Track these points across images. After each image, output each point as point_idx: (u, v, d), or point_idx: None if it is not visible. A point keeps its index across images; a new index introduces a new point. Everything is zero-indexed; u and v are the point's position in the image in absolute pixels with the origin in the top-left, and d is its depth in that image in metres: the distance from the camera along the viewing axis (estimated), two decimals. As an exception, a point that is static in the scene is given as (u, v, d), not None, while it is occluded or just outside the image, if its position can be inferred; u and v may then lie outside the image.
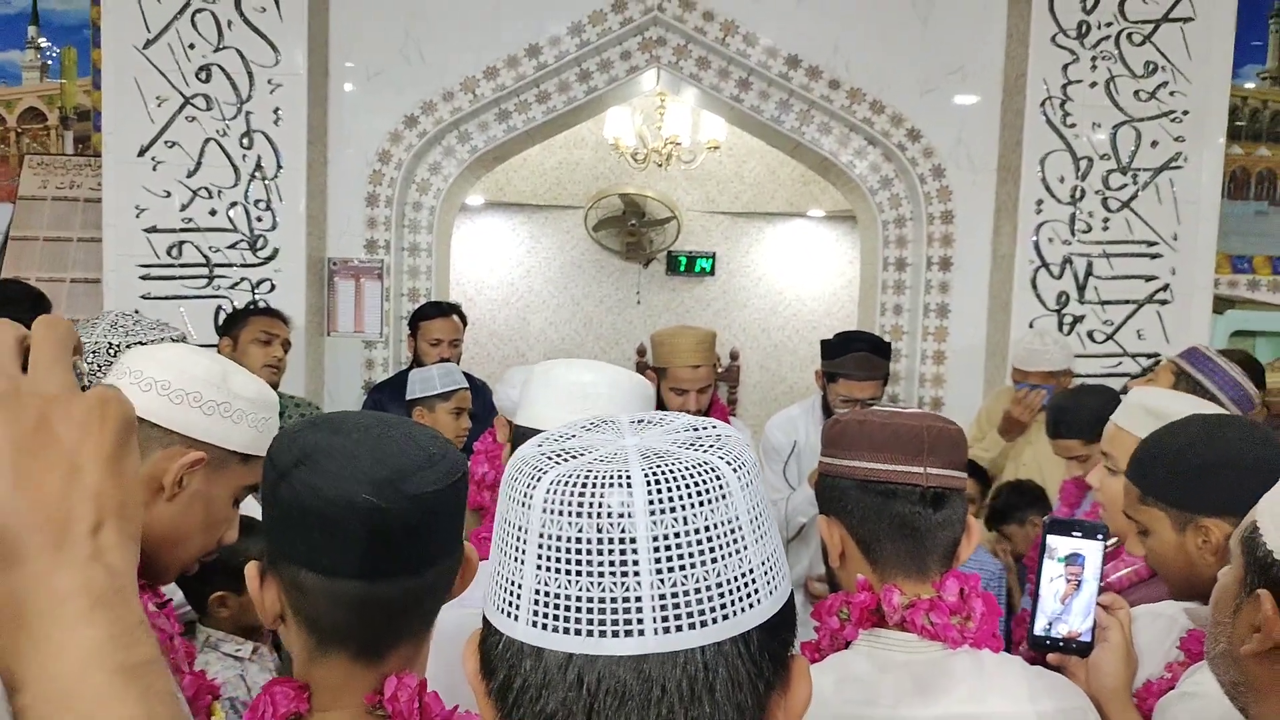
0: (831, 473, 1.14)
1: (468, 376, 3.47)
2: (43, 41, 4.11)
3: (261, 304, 3.47)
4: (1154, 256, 3.64)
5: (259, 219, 3.60)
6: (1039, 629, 1.22)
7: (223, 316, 3.48)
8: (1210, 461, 1.25)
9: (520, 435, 1.29)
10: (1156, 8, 3.54)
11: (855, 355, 2.74)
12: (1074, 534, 1.24)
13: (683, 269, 6.45)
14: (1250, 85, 4.09)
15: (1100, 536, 1.24)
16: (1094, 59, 3.55)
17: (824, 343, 2.88)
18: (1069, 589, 1.23)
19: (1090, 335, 3.67)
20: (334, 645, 0.83)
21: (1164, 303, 3.66)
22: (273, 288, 3.58)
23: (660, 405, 2.85)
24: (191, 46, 3.51)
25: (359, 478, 0.80)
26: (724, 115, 4.24)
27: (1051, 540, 1.24)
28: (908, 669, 1.06)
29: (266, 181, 3.58)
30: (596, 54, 3.80)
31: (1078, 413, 2.32)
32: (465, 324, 3.46)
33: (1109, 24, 3.54)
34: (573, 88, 3.85)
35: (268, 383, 2.90)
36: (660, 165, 5.79)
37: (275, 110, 3.55)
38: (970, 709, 1.04)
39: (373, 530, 0.80)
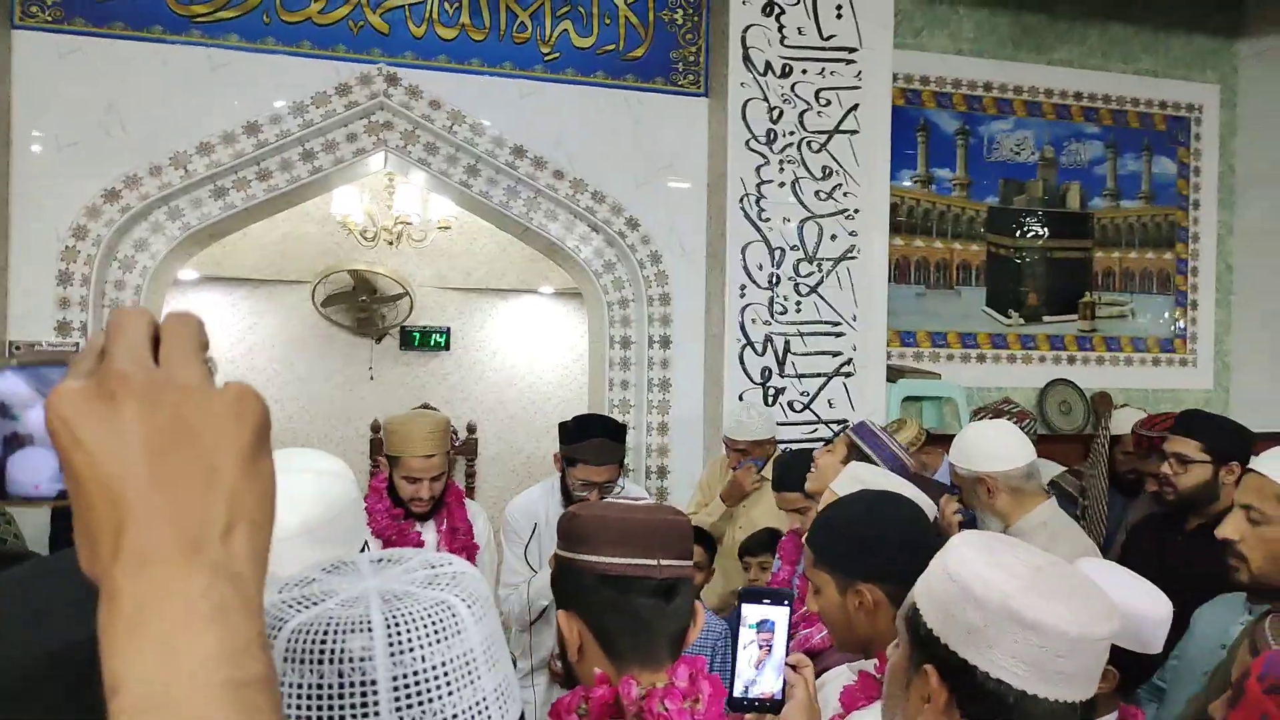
0: (569, 566, 1.17)
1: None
2: None
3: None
4: (839, 335, 4.15)
5: (-80, 300, 3.18)
6: (737, 691, 1.31)
7: None
8: (867, 535, 1.44)
9: None
10: (829, 120, 4.09)
11: (593, 442, 2.83)
12: (764, 601, 1.34)
13: (417, 344, 6.40)
14: (907, 184, 4.80)
15: (786, 602, 1.36)
16: (781, 162, 4.04)
17: (562, 426, 2.95)
18: (762, 654, 1.33)
19: (791, 405, 4.09)
20: None
21: (848, 375, 4.16)
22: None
23: (392, 491, 2.82)
24: None
25: None
26: (454, 199, 4.33)
27: (745, 609, 1.33)
28: None
29: (-70, 258, 3.18)
30: (320, 135, 3.77)
31: (798, 471, 2.67)
32: None
33: (792, 133, 4.04)
34: (296, 166, 3.78)
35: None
36: (390, 243, 5.75)
37: (-57, 180, 3.18)
38: None
39: None
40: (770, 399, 4.02)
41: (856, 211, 4.14)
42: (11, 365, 0.47)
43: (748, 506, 3.46)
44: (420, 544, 2.82)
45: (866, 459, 2.18)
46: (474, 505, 3.05)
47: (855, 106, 4.11)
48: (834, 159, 4.10)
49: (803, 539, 2.01)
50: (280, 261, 6.04)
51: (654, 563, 1.14)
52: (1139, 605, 1.38)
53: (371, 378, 6.37)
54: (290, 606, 0.55)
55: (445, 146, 3.92)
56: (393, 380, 6.41)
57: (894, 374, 4.40)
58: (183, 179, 3.58)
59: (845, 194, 4.12)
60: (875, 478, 1.75)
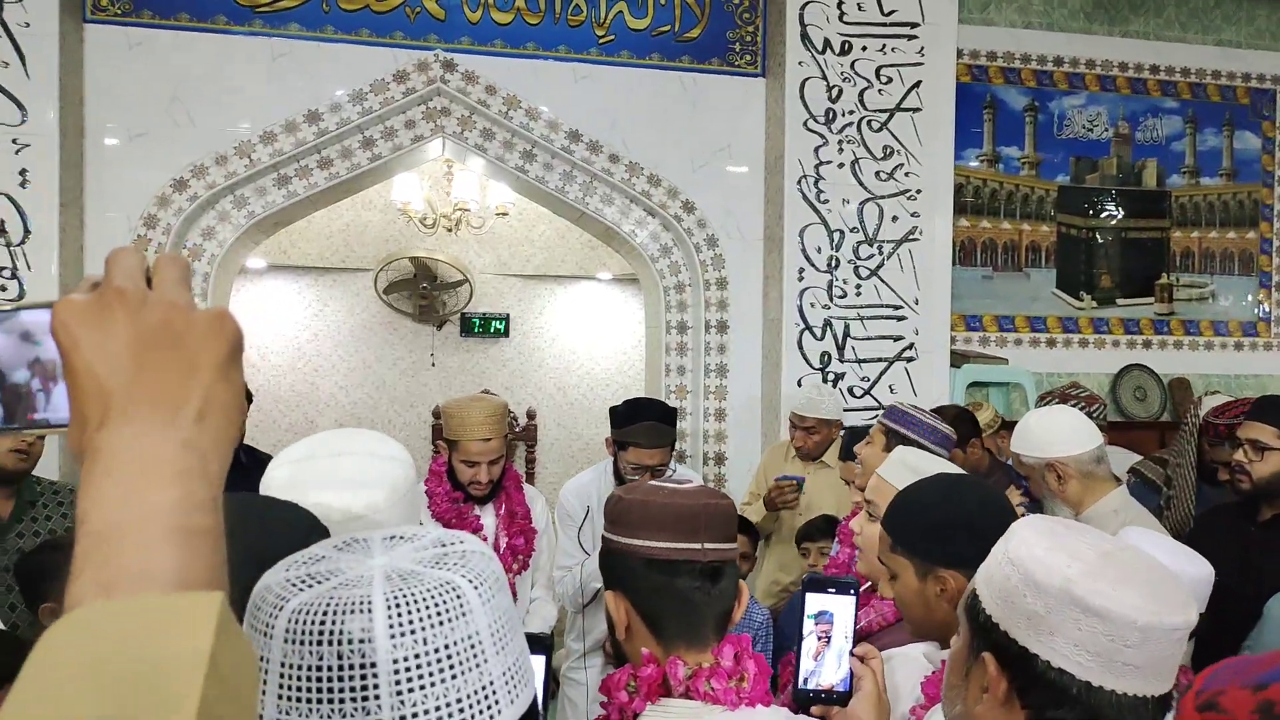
0: (616, 549, 1.19)
1: (250, 451, 3.31)
2: None
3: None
4: (900, 319, 4.05)
5: (2, 288, 3.30)
6: (800, 684, 1.30)
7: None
8: (947, 519, 1.38)
9: None
10: (890, 99, 3.99)
11: (643, 425, 2.85)
12: (829, 590, 1.33)
13: (477, 330, 6.45)
14: (973, 165, 4.66)
15: (852, 591, 1.34)
16: (840, 143, 3.95)
17: (613, 411, 2.97)
18: (820, 646, 1.32)
19: (850, 391, 4.01)
20: None
21: (910, 360, 4.07)
22: (18, 362, 3.28)
23: (451, 475, 2.85)
24: (-81, 101, 3.21)
25: None
26: (510, 184, 4.34)
27: (808, 598, 1.32)
28: None
29: (11, 248, 3.30)
30: (380, 122, 3.81)
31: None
32: (250, 402, 3.30)
33: (851, 112, 3.95)
34: (356, 154, 3.83)
35: (14, 469, 2.66)
36: (450, 230, 5.81)
37: (21, 171, 3.30)
38: None
39: None
40: (830, 384, 3.95)
41: (919, 192, 4.03)
42: (41, 302, 0.55)
43: (807, 493, 3.41)
44: (479, 528, 2.85)
45: (907, 442, 2.11)
46: (532, 490, 3.07)
47: (918, 83, 4.01)
48: (895, 138, 4.00)
49: (850, 527, 1.97)
50: (344, 249, 6.15)
51: (698, 546, 1.15)
52: (1176, 564, 1.33)
53: (433, 364, 6.45)
54: (293, 585, 0.54)
55: (501, 132, 3.93)
56: (454, 366, 6.48)
57: (958, 359, 4.29)
58: (247, 168, 3.65)
59: (907, 174, 4.02)
60: (925, 463, 1.69)
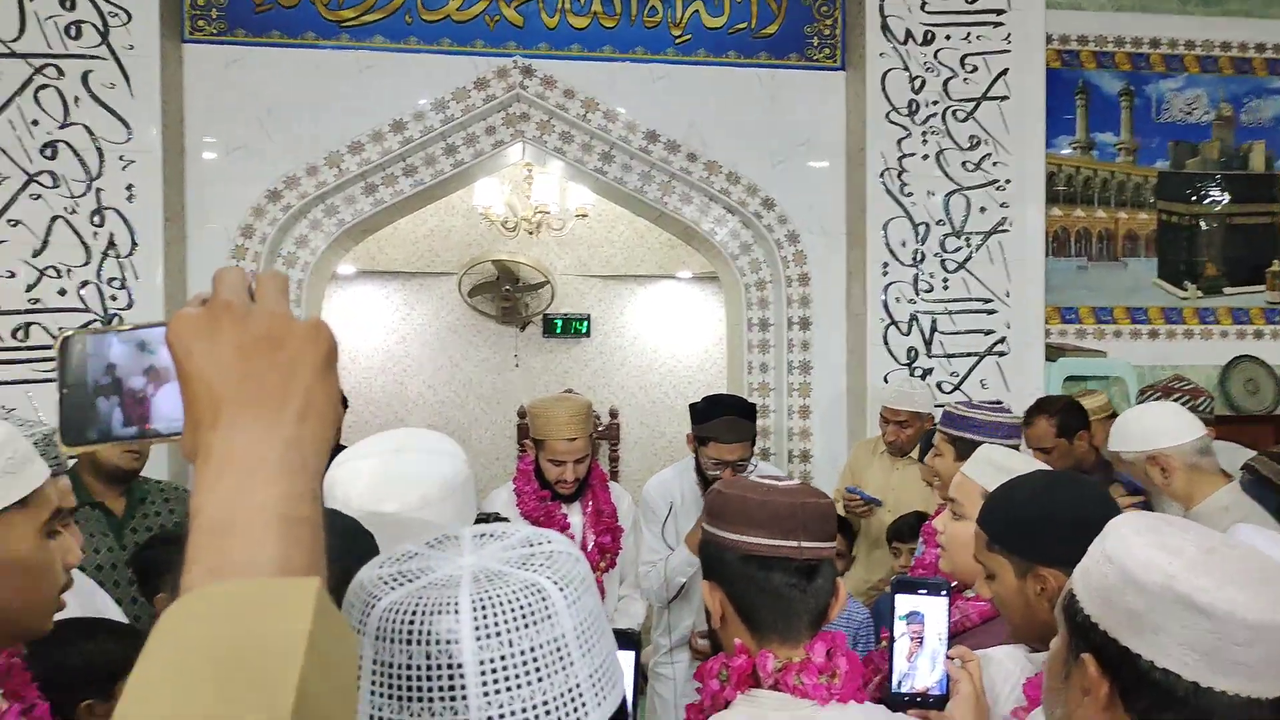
0: (715, 543, 1.21)
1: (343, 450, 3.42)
2: None
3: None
4: (990, 312, 3.94)
5: (113, 298, 3.48)
6: (893, 686, 1.29)
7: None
8: (1046, 516, 1.34)
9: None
10: (976, 88, 3.88)
11: (723, 420, 2.84)
12: (919, 592, 1.32)
13: (559, 331, 6.52)
14: (1065, 152, 4.50)
15: (944, 593, 1.32)
16: (924, 134, 3.86)
17: (692, 407, 2.97)
18: (913, 647, 1.30)
19: (940, 386, 3.92)
20: None
21: (1002, 354, 3.95)
22: (128, 369, 3.45)
23: (539, 474, 2.89)
24: (35, 123, 3.40)
25: None
26: (589, 186, 4.37)
27: (898, 600, 1.31)
28: None
29: (120, 259, 3.47)
30: (461, 129, 3.88)
31: None
32: (346, 407, 3.40)
33: (935, 102, 3.86)
34: (439, 161, 3.91)
35: (128, 469, 2.79)
36: (531, 233, 5.88)
37: (128, 187, 3.46)
38: None
39: None
40: (918, 379, 3.86)
41: (1008, 182, 3.91)
42: (156, 321, 0.61)
43: (896, 489, 3.35)
44: (566, 526, 2.88)
45: (974, 447, 2.05)
46: (618, 488, 3.09)
47: (1005, 71, 3.89)
48: (982, 127, 3.88)
49: (934, 525, 1.92)
50: (429, 254, 6.29)
51: (795, 544, 1.16)
52: None
53: (517, 365, 6.55)
54: (385, 583, 0.55)
55: (580, 135, 3.96)
56: (537, 367, 6.57)
57: (1053, 352, 4.14)
58: (336, 177, 3.77)
59: (995, 164, 3.90)
60: (1011, 460, 1.64)
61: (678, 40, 3.97)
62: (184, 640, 0.43)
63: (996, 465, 1.58)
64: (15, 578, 1.05)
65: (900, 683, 1.29)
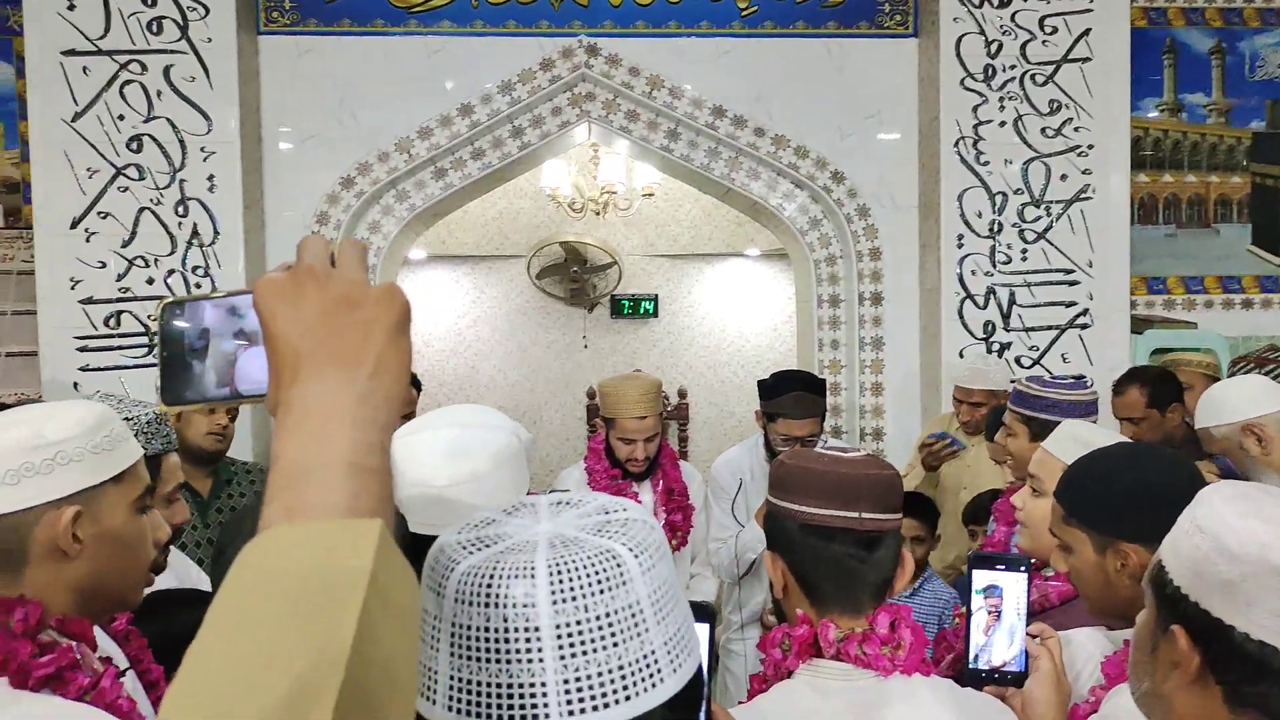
0: (776, 512, 1.21)
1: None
2: (-31, 116, 4.08)
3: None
4: (1072, 284, 3.81)
5: (198, 285, 3.60)
6: (969, 661, 1.27)
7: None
8: (1128, 490, 1.29)
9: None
10: (1056, 50, 3.74)
11: (791, 395, 2.82)
12: (997, 567, 1.29)
13: (627, 312, 6.54)
14: (1152, 115, 4.31)
15: (1023, 568, 1.29)
16: (1001, 100, 3.74)
17: (760, 383, 2.95)
18: (990, 620, 1.28)
19: (1018, 361, 3.81)
20: None
21: (1085, 326, 3.82)
22: (213, 353, 3.57)
23: (609, 453, 2.90)
24: (121, 118, 3.52)
25: None
26: (655, 164, 4.35)
27: (975, 575, 1.29)
28: (845, 695, 1.12)
29: (204, 248, 3.59)
30: (528, 110, 3.90)
31: None
32: (419, 390, 3.45)
33: (1013, 67, 3.73)
34: (506, 143, 3.93)
35: (212, 450, 2.88)
36: (598, 213, 5.89)
37: (209, 177, 3.57)
38: None
39: None
40: (994, 354, 3.76)
41: (1090, 147, 3.76)
42: (244, 288, 0.65)
43: (972, 466, 3.27)
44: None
45: (1049, 428, 1.97)
46: (688, 467, 3.09)
47: (1087, 31, 3.73)
48: (1063, 91, 3.74)
49: (1012, 502, 1.86)
50: (498, 237, 6.36)
51: (856, 515, 1.15)
52: None
53: (585, 346, 6.59)
54: (463, 548, 0.56)
55: (645, 112, 3.94)
56: (605, 348, 6.60)
57: (1140, 324, 3.99)
58: (407, 162, 3.82)
59: (1077, 129, 3.75)
60: (1096, 436, 1.58)
61: (744, 12, 3.91)
62: (257, 574, 0.47)
63: (1083, 441, 1.52)
64: (110, 550, 1.10)
65: (976, 657, 1.27)
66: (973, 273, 3.78)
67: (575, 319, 6.60)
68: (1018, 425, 2.17)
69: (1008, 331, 3.81)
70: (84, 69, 3.50)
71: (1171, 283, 4.28)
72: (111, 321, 3.55)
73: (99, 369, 3.50)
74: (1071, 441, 1.58)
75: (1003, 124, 3.74)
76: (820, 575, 1.17)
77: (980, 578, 1.28)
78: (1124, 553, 1.28)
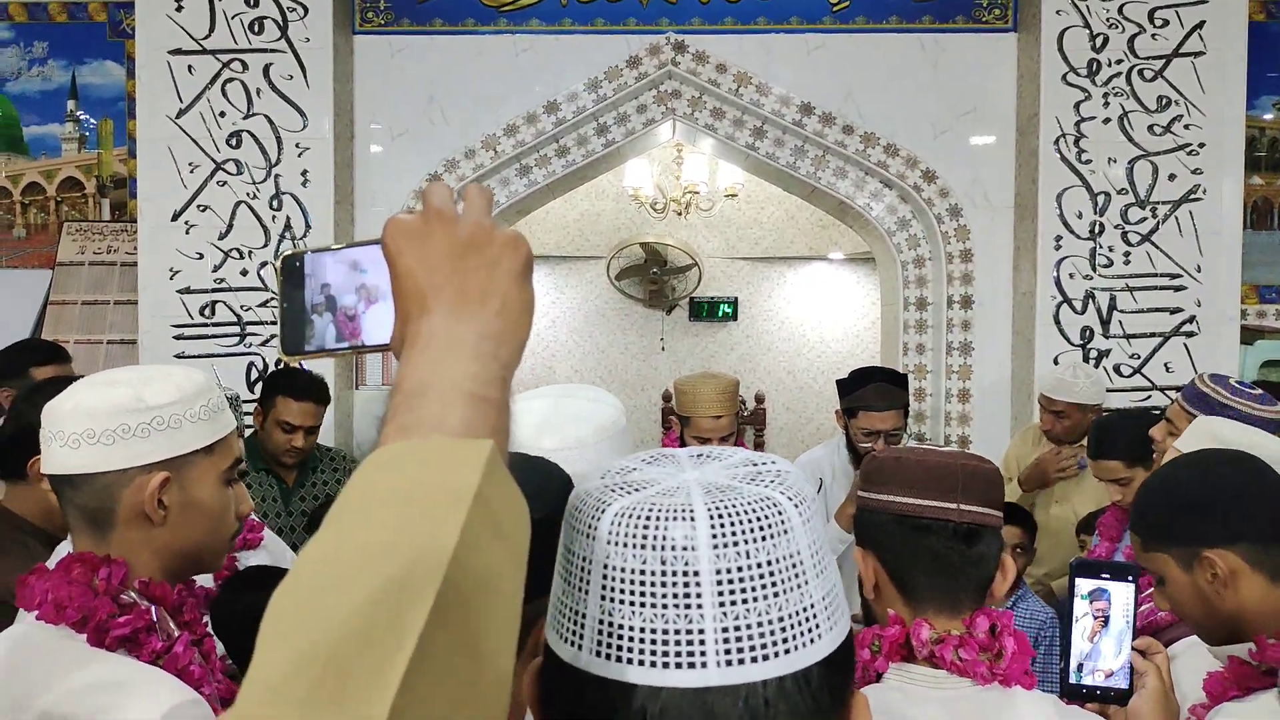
0: (868, 507, 1.16)
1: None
2: (81, 114, 4.27)
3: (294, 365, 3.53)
4: (1178, 289, 3.62)
5: (289, 278, 3.68)
6: (1072, 676, 1.20)
7: (254, 373, 3.59)
8: (1204, 495, 1.22)
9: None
10: (1166, 44, 3.56)
11: (872, 387, 2.73)
12: (1102, 576, 1.23)
13: (705, 315, 6.49)
14: (1269, 116, 4.09)
15: (1130, 578, 1.23)
16: (1106, 96, 3.58)
17: (839, 382, 2.88)
18: (1096, 626, 1.21)
19: (1117, 369, 3.64)
20: None
21: (1190, 334, 3.63)
22: (302, 344, 3.65)
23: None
24: (222, 114, 3.64)
25: None
26: (740, 163, 4.30)
27: (1078, 583, 1.23)
28: (939, 703, 1.06)
29: (296, 241, 3.67)
30: (613, 108, 3.89)
31: (1121, 434, 2.35)
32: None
33: (1119, 61, 3.57)
34: (591, 141, 3.94)
35: (286, 463, 2.94)
36: (680, 214, 5.87)
37: (303, 172, 3.66)
38: None
39: None
40: (1092, 362, 3.61)
41: (1201, 146, 3.58)
42: (368, 239, 0.65)
43: (1067, 487, 3.11)
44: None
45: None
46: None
47: (1200, 24, 3.55)
48: (1173, 87, 3.57)
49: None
50: (579, 238, 6.38)
51: (952, 506, 1.09)
52: None
53: (663, 349, 6.57)
54: (613, 490, 0.54)
55: (731, 110, 3.90)
56: (682, 351, 6.56)
57: (1250, 335, 3.78)
58: (492, 160, 3.85)
59: (1187, 126, 3.57)
60: (1236, 433, 1.46)
61: (835, 8, 3.83)
62: (368, 486, 0.49)
63: (1216, 438, 1.41)
64: (193, 518, 1.12)
65: (1080, 666, 1.20)
66: (1070, 276, 3.63)
67: (653, 321, 6.58)
68: (1183, 421, 2.02)
69: (1107, 338, 3.64)
70: (189, 67, 3.63)
71: (1286, 291, 4.05)
72: (206, 311, 3.66)
73: (193, 356, 3.61)
74: (1208, 439, 1.47)
75: (1107, 120, 3.58)
76: (916, 570, 1.10)
77: (1084, 585, 1.22)
78: (1210, 561, 1.19)
